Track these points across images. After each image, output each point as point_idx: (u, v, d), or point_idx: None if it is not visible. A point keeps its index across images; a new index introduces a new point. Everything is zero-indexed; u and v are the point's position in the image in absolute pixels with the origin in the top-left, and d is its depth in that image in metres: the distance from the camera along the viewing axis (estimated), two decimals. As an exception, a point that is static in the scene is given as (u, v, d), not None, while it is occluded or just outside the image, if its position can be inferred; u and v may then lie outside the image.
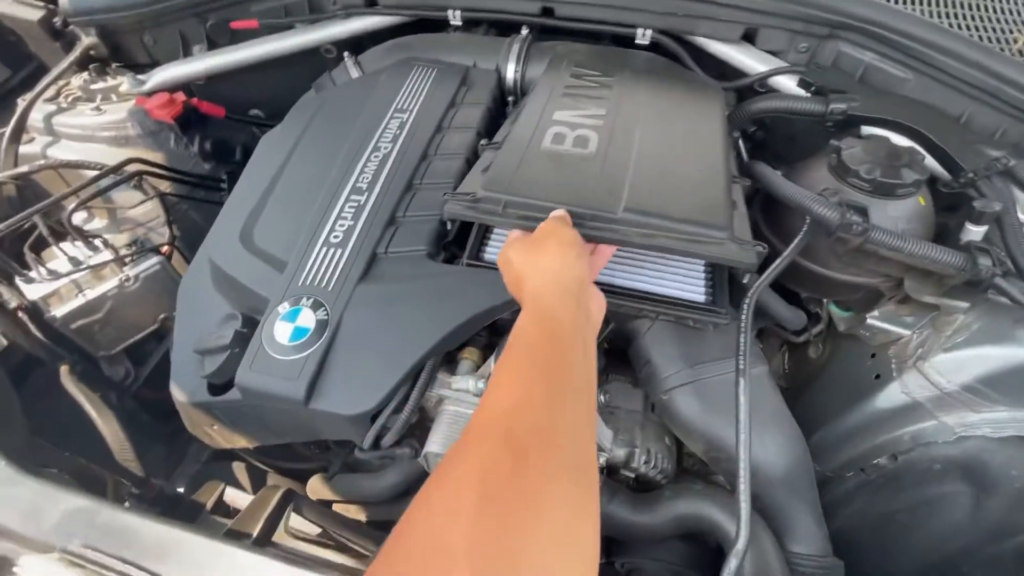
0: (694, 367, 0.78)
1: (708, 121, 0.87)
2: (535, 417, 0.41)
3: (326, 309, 0.74)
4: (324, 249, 0.79)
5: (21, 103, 1.18)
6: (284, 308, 0.74)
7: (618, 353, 0.90)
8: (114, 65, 1.28)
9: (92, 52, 1.26)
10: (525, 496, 0.35)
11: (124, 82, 1.22)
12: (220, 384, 0.75)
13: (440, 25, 1.16)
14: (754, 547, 0.72)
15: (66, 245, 1.10)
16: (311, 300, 0.75)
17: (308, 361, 0.70)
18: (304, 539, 0.88)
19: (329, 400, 0.70)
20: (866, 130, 0.94)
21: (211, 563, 0.65)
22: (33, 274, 1.06)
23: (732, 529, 0.65)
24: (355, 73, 1.14)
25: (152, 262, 1.15)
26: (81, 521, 0.68)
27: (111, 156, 1.16)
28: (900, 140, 0.90)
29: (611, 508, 0.82)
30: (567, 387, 0.45)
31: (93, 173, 1.11)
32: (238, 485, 1.24)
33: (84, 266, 1.08)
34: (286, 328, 0.73)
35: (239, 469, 1.29)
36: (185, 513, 0.97)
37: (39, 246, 1.10)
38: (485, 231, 0.84)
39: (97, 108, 1.19)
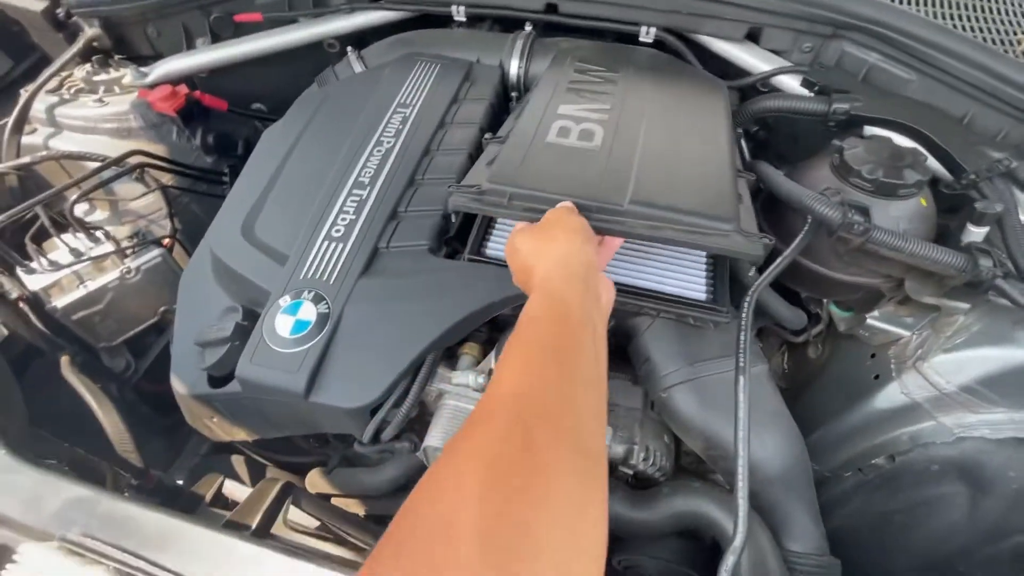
0: (694, 365, 0.78)
1: (713, 115, 0.87)
2: (543, 397, 0.41)
3: (327, 303, 0.74)
4: (326, 243, 0.80)
5: (24, 94, 1.18)
6: (285, 301, 0.74)
7: (618, 350, 0.90)
8: (117, 57, 1.29)
9: (95, 44, 1.26)
10: (533, 475, 0.35)
11: (127, 74, 1.22)
12: (220, 376, 0.76)
13: (444, 21, 1.16)
14: (751, 545, 0.72)
15: (67, 236, 1.10)
16: (312, 293, 0.75)
17: (309, 354, 0.71)
18: (303, 532, 0.88)
19: (329, 393, 0.70)
20: (869, 130, 0.94)
21: (210, 553, 0.66)
22: (34, 265, 1.06)
23: (730, 526, 0.65)
24: (358, 68, 1.14)
25: (153, 254, 1.15)
26: (81, 510, 0.69)
27: (113, 148, 1.17)
28: (902, 141, 0.90)
29: (609, 504, 0.82)
30: (576, 369, 0.45)
31: (95, 165, 1.12)
32: (237, 478, 1.25)
33: (85, 257, 1.08)
34: (287, 321, 0.73)
35: (238, 462, 1.30)
36: (184, 505, 0.97)
37: (40, 237, 1.10)
38: (487, 226, 0.84)
39: (100, 100, 1.19)
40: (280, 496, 0.87)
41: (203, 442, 1.36)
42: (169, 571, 0.63)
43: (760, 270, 0.80)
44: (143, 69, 1.22)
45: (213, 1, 1.21)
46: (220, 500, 1.00)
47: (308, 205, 0.85)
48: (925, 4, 1.09)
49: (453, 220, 0.84)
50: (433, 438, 0.75)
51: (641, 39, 1.08)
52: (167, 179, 1.22)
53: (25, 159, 1.14)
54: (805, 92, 1.00)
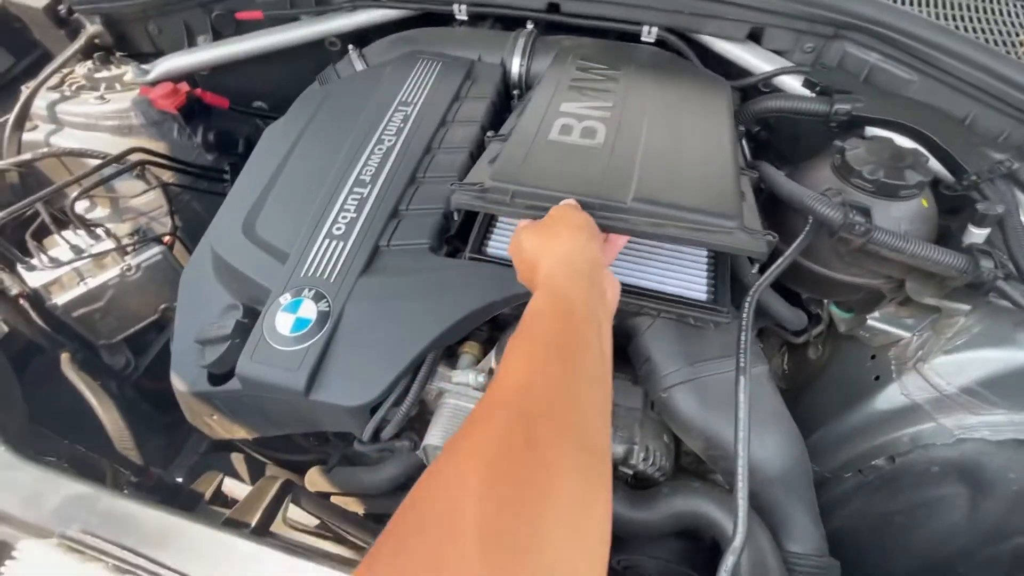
0: (694, 365, 0.78)
1: (715, 113, 0.87)
2: (547, 393, 0.41)
3: (328, 301, 0.74)
4: (326, 241, 0.80)
5: (25, 90, 1.18)
6: (286, 299, 0.74)
7: (618, 350, 0.90)
8: (118, 54, 1.29)
9: (97, 40, 1.26)
10: (536, 472, 0.35)
11: (128, 71, 1.22)
12: (220, 374, 0.76)
13: (445, 19, 1.16)
14: (751, 545, 0.72)
15: (68, 233, 1.10)
16: (313, 291, 0.75)
17: (309, 352, 0.70)
18: (302, 530, 0.88)
19: (329, 391, 0.70)
20: (870, 131, 0.94)
21: (210, 551, 0.65)
22: (35, 262, 1.06)
23: (729, 526, 0.65)
24: (359, 66, 1.14)
25: (154, 252, 1.15)
26: (81, 507, 0.69)
27: (114, 145, 1.16)
28: (904, 141, 0.90)
29: (609, 504, 0.82)
30: (580, 365, 0.45)
31: (96, 162, 1.11)
32: (237, 476, 1.25)
33: (86, 254, 1.08)
34: (287, 319, 0.73)
35: (237, 460, 1.30)
36: (184, 502, 0.97)
37: (41, 234, 1.10)
38: (488, 225, 0.84)
39: (101, 97, 1.19)
40: (280, 494, 0.87)
41: (203, 440, 1.36)
42: (168, 569, 0.63)
43: (761, 271, 0.80)
44: (144, 66, 1.22)
45: (214, -2, 1.21)
46: (220, 498, 1.00)
47: (309, 203, 0.85)
48: (927, 5, 1.08)
49: (455, 218, 0.84)
50: (433, 437, 0.75)
51: (643, 39, 1.07)
52: (168, 176, 1.22)
53: (26, 156, 1.14)
54: (806, 92, 0.99)
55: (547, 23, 1.10)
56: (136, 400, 1.25)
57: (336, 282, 0.75)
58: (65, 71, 1.24)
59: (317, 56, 1.20)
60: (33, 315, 1.07)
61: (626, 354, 0.87)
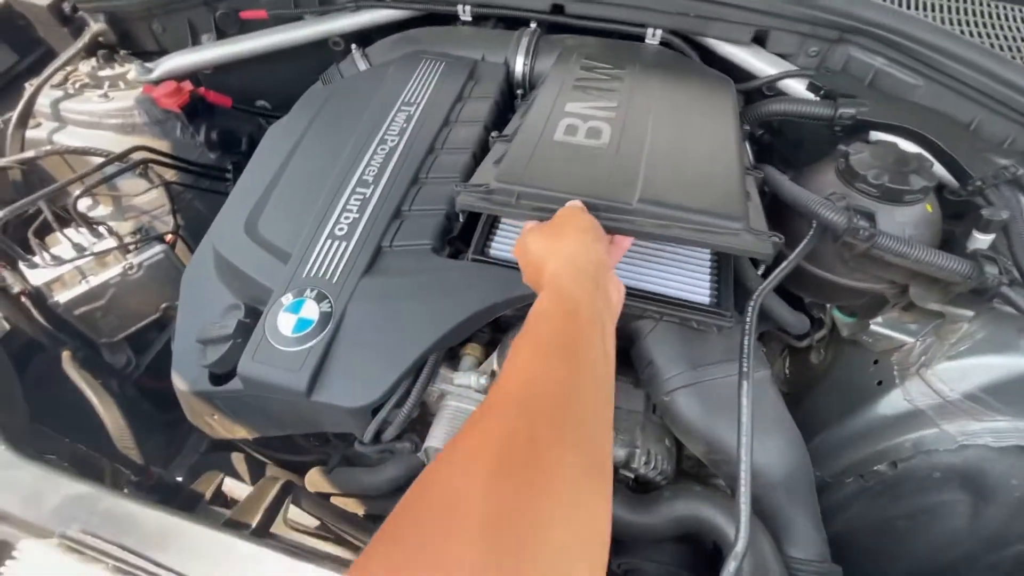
0: (696, 369, 0.78)
1: (720, 113, 0.87)
2: (550, 392, 0.41)
3: (330, 301, 0.74)
4: (329, 241, 0.79)
5: (28, 88, 1.18)
6: (288, 299, 0.74)
7: (620, 353, 0.90)
8: (122, 52, 1.28)
9: (100, 39, 1.26)
10: (537, 471, 0.35)
11: (132, 70, 1.22)
12: (222, 374, 0.75)
13: (449, 19, 1.16)
14: (752, 550, 0.72)
15: (70, 231, 1.10)
16: (315, 292, 0.75)
17: (311, 353, 0.70)
18: (302, 531, 0.88)
19: (331, 392, 0.70)
20: (875, 135, 0.93)
21: (210, 552, 0.65)
22: (37, 259, 1.06)
23: (731, 531, 0.65)
24: (363, 65, 1.14)
25: (156, 250, 1.15)
26: (81, 507, 0.68)
27: (117, 143, 1.17)
28: (909, 146, 0.89)
29: (610, 507, 0.82)
30: (584, 365, 0.45)
31: (99, 160, 1.11)
32: (237, 476, 1.24)
33: (88, 253, 1.08)
34: (289, 319, 0.73)
35: (238, 460, 1.30)
36: (184, 502, 0.97)
37: (43, 232, 1.10)
38: (491, 227, 0.84)
39: (104, 95, 1.19)
40: (280, 495, 0.87)
41: (203, 439, 1.35)
42: (169, 569, 0.63)
43: (764, 275, 0.79)
44: (148, 65, 1.22)
45: (218, -3, 1.21)
46: (220, 498, 1.00)
47: (312, 203, 0.85)
48: (932, 9, 1.08)
49: (460, 219, 0.83)
50: (434, 439, 0.75)
51: (647, 41, 1.07)
52: (170, 175, 1.22)
53: (29, 153, 1.14)
54: (811, 96, 0.99)
55: (550, 25, 1.10)
56: (137, 399, 1.25)
57: (338, 283, 0.75)
58: (69, 69, 1.24)
59: (320, 56, 1.20)
60: (35, 313, 1.07)
61: (628, 357, 0.86)
